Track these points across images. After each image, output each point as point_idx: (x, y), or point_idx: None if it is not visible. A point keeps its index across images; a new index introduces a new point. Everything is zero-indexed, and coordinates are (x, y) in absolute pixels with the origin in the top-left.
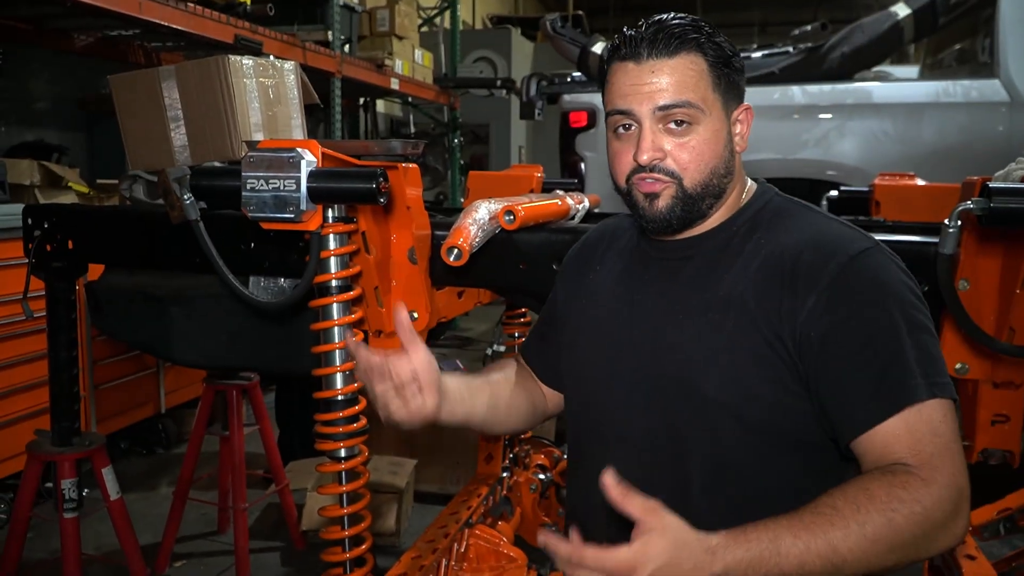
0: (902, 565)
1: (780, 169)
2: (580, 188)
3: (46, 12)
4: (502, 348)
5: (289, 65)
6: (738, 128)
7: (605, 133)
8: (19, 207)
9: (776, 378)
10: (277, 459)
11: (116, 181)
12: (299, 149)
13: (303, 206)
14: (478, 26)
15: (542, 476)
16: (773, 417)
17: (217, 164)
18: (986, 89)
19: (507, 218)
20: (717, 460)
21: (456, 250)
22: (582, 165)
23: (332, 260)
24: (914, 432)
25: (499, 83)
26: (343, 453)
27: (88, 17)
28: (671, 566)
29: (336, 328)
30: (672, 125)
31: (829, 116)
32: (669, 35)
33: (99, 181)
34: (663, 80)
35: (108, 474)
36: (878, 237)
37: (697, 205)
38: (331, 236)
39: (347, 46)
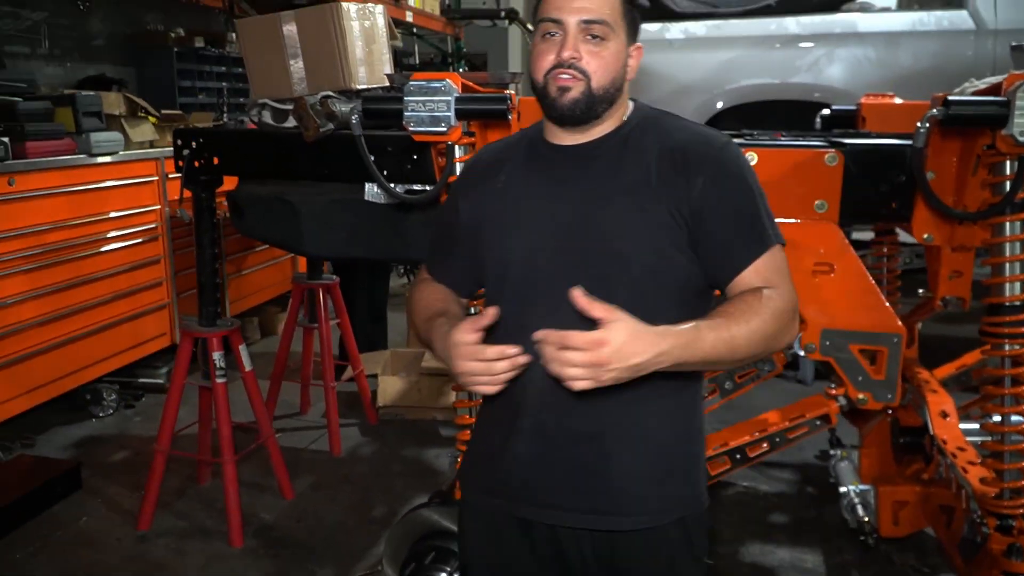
0: (767, 353)
1: (776, 92)
2: None
3: None
4: None
5: (379, 9)
6: (631, 61)
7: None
8: (116, 135)
9: (677, 242)
10: (354, 348)
11: (177, 112)
12: (447, 80)
13: (452, 122)
14: None
15: None
16: (676, 271)
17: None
18: (955, 19)
19: None
20: (636, 308)
21: None
22: None
23: (458, 165)
24: (769, 268)
25: (503, 14)
26: None
27: None
28: (632, 342)
29: None
30: (590, 37)
31: (819, 44)
32: None
33: (164, 112)
34: (589, 1)
35: (243, 350)
36: (865, 141)
37: (597, 105)
38: (457, 146)
39: None
